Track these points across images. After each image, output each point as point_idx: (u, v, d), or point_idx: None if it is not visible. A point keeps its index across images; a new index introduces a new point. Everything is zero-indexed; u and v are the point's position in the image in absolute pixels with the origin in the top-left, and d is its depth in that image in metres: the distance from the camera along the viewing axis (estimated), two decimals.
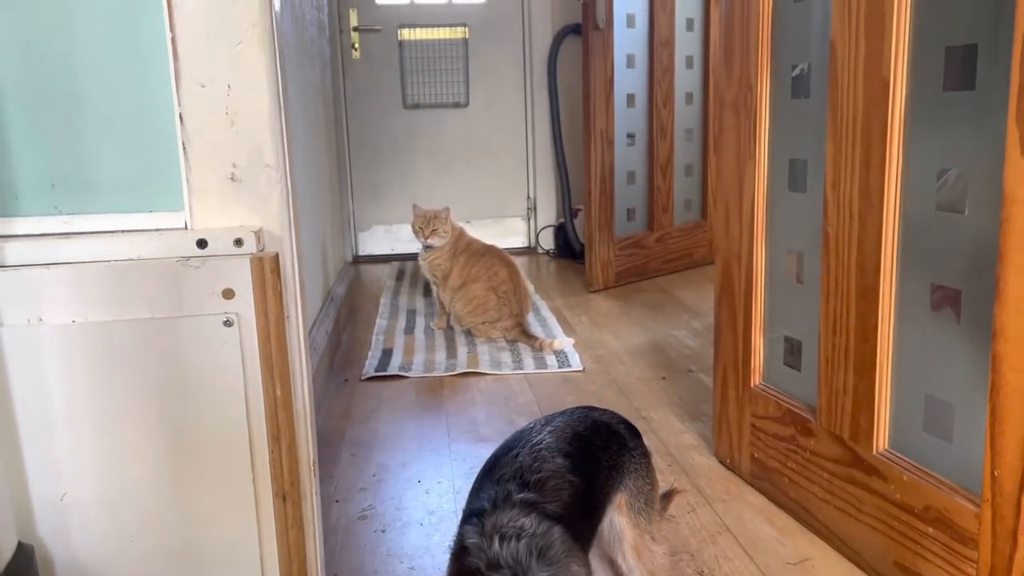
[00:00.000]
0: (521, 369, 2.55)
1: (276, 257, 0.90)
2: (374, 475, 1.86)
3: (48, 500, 0.91)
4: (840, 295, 1.43)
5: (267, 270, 0.88)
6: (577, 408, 1.30)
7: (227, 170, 0.90)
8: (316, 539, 0.96)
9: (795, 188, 1.59)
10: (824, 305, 1.48)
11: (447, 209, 3.04)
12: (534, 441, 1.15)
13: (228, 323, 0.89)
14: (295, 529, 0.92)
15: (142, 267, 0.88)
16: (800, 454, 1.57)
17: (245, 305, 0.89)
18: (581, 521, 1.08)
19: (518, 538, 0.95)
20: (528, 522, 0.98)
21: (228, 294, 0.88)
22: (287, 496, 0.92)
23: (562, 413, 1.26)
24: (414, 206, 3.08)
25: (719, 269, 1.81)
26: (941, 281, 1.27)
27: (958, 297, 1.24)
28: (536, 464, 1.10)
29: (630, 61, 3.51)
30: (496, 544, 0.94)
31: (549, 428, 1.19)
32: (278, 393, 0.89)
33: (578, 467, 1.11)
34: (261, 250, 0.91)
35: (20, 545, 0.88)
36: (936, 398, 1.29)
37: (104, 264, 0.88)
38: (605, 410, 1.33)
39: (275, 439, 0.90)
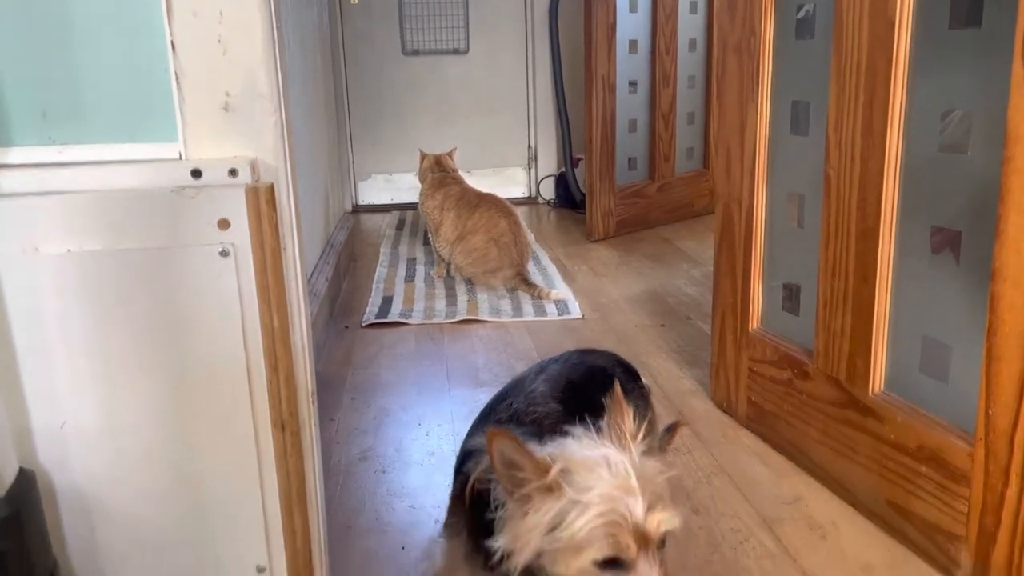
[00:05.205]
0: (520, 317, 2.56)
1: (271, 188, 0.89)
2: (374, 418, 1.88)
3: (48, 428, 0.91)
4: (840, 238, 1.43)
5: (262, 201, 0.88)
6: (573, 352, 1.27)
7: (220, 100, 0.89)
8: (315, 467, 0.97)
9: (797, 131, 1.58)
10: (824, 248, 1.47)
11: (454, 149, 3.32)
12: (528, 390, 1.14)
13: (224, 253, 0.89)
14: (294, 457, 0.93)
15: (137, 197, 0.88)
16: (796, 397, 1.58)
17: (241, 235, 0.88)
18: None
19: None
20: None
21: (224, 224, 0.88)
22: (286, 425, 0.93)
23: (556, 359, 1.24)
24: (420, 151, 3.27)
25: (719, 214, 1.80)
26: (941, 223, 1.26)
27: (958, 239, 1.24)
28: (531, 408, 1.10)
29: (633, 6, 3.46)
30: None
31: (543, 376, 1.17)
32: (275, 323, 0.89)
33: (572, 412, 1.11)
34: (256, 181, 0.90)
35: (21, 471, 0.90)
36: (933, 339, 1.30)
37: (99, 193, 0.87)
38: (602, 352, 1.32)
39: (273, 369, 0.91)
